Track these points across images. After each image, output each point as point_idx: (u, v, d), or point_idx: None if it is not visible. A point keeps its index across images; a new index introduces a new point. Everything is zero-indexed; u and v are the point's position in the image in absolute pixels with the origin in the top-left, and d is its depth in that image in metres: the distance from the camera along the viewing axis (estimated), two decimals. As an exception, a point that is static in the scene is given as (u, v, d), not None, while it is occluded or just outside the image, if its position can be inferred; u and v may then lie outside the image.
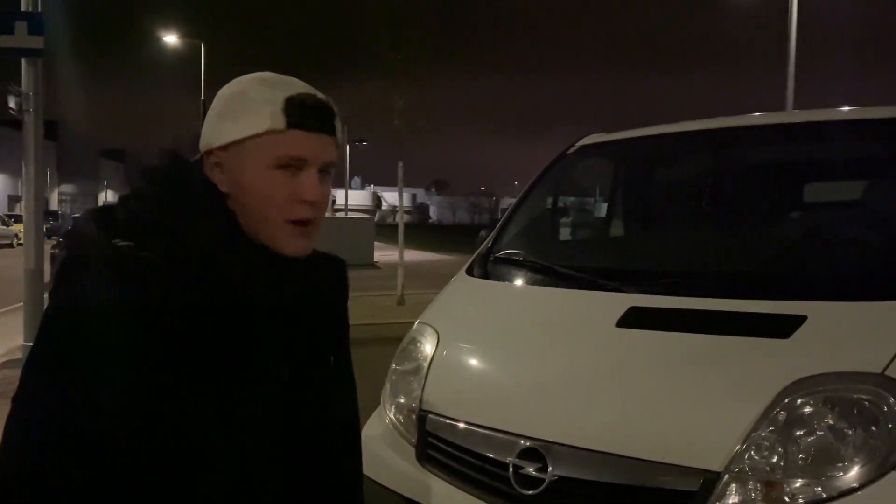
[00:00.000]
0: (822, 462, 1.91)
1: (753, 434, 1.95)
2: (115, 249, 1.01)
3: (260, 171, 1.09)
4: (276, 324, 1.10)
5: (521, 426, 2.27)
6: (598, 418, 2.22)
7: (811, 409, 1.97)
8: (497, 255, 3.34)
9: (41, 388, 0.99)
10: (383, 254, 24.69)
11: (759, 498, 1.90)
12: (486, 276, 3.25)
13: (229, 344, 1.03)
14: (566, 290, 2.84)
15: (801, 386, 1.98)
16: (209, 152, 1.12)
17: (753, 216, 3.33)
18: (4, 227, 34.79)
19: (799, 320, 2.16)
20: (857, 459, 1.88)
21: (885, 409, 1.90)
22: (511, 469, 2.21)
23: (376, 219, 47.16)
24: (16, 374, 1.02)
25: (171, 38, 29.16)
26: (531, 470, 2.17)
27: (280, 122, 1.09)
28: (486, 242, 3.46)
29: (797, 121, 3.41)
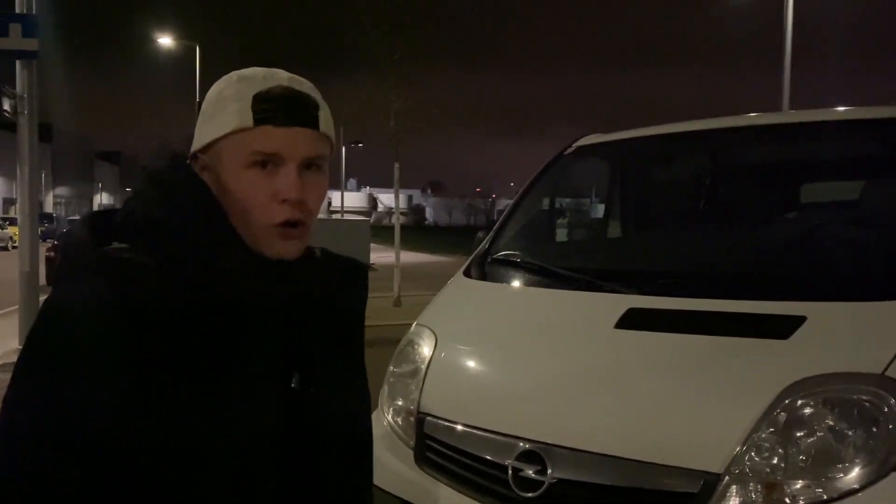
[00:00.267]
0: (823, 463, 1.91)
1: (754, 435, 1.94)
2: (101, 254, 1.00)
3: (235, 171, 1.06)
4: (274, 326, 1.08)
5: (519, 428, 2.26)
6: (598, 420, 2.21)
7: (811, 410, 1.96)
8: (495, 256, 3.33)
9: (29, 392, 0.98)
10: (379, 255, 24.64)
11: (760, 500, 1.90)
12: (483, 277, 3.24)
13: (219, 346, 1.02)
14: (565, 291, 2.83)
15: (802, 387, 1.98)
16: (195, 156, 1.11)
17: (752, 216, 3.33)
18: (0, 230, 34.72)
19: (798, 321, 2.16)
20: (857, 460, 1.88)
21: (886, 409, 1.90)
22: (510, 471, 2.20)
23: (372, 220, 47.16)
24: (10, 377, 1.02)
25: (165, 41, 29.13)
26: (530, 472, 2.16)
27: (248, 119, 1.05)
28: (483, 244, 3.45)
29: (794, 121, 3.41)
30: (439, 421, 2.51)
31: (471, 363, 2.81)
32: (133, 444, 0.95)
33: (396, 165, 14.02)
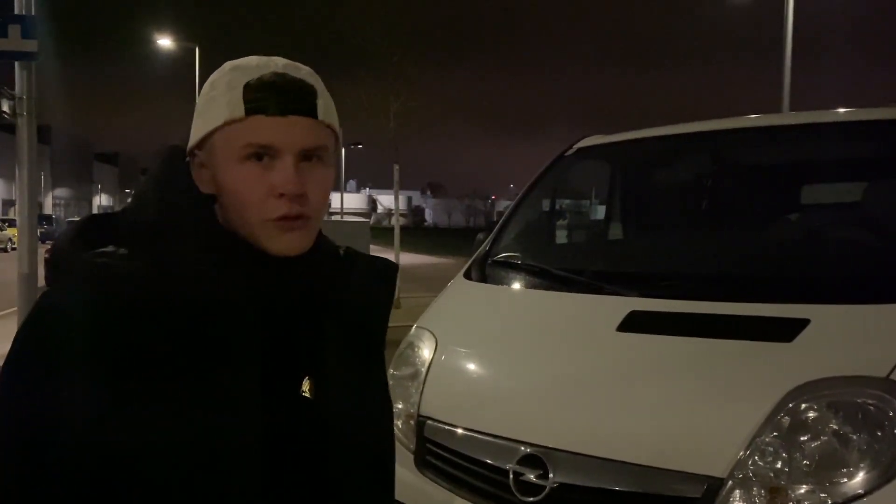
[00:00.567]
0: (827, 467, 1.89)
1: (757, 439, 1.93)
2: (81, 259, 0.98)
3: (230, 166, 1.00)
4: (272, 328, 1.04)
5: (521, 432, 2.25)
6: (600, 424, 2.19)
7: (815, 414, 1.94)
8: (495, 258, 3.31)
9: (5, 395, 0.97)
10: (379, 256, 24.60)
11: None
12: (484, 279, 3.22)
13: (201, 350, 0.98)
14: (566, 293, 2.82)
15: (805, 390, 1.96)
16: (192, 153, 1.06)
17: (754, 218, 3.31)
18: (-1, 232, 34.69)
19: (802, 324, 2.14)
20: (862, 465, 1.86)
21: (891, 413, 1.88)
22: (511, 476, 2.18)
23: (372, 222, 47.19)
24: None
25: (165, 42, 29.12)
26: (532, 476, 2.14)
27: (239, 110, 0.99)
28: (483, 246, 3.44)
29: (795, 122, 3.40)
30: (440, 424, 2.50)
31: (471, 366, 2.79)
32: (111, 450, 0.93)
33: (396, 167, 14.01)
